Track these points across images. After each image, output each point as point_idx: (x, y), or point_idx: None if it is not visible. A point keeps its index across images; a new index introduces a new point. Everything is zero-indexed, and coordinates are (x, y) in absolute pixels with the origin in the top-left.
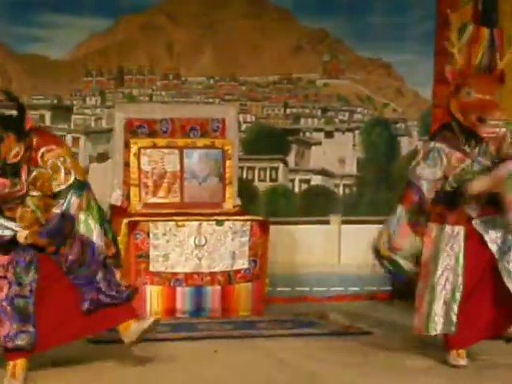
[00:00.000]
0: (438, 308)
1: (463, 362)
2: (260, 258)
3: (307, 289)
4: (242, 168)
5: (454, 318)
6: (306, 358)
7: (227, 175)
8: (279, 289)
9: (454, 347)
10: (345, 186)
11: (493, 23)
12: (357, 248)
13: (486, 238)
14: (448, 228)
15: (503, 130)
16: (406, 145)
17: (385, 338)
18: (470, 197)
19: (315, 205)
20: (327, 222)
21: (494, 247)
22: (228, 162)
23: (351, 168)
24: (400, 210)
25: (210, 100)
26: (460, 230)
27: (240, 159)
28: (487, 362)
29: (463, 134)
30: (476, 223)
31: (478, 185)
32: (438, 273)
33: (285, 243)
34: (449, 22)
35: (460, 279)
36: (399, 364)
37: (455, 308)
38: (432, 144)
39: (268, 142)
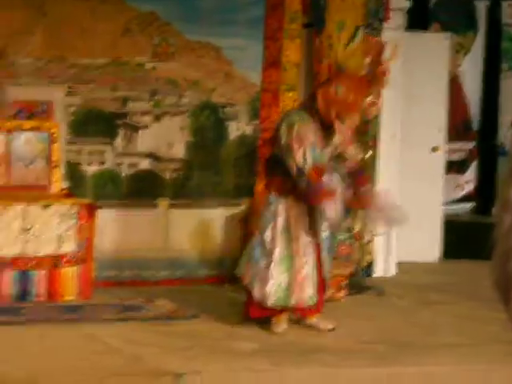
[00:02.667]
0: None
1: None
2: (87, 241)
3: (135, 273)
4: (69, 151)
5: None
6: (133, 343)
7: (54, 158)
8: (106, 273)
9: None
10: (173, 169)
11: (321, 8)
12: (185, 232)
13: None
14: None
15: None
16: (234, 129)
17: (212, 322)
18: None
19: (143, 188)
20: (155, 206)
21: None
22: (55, 145)
23: (179, 152)
24: None
25: (38, 82)
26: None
27: (67, 142)
28: (313, 345)
29: (319, 121)
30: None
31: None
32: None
33: (112, 227)
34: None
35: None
36: (225, 347)
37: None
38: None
39: (96, 125)
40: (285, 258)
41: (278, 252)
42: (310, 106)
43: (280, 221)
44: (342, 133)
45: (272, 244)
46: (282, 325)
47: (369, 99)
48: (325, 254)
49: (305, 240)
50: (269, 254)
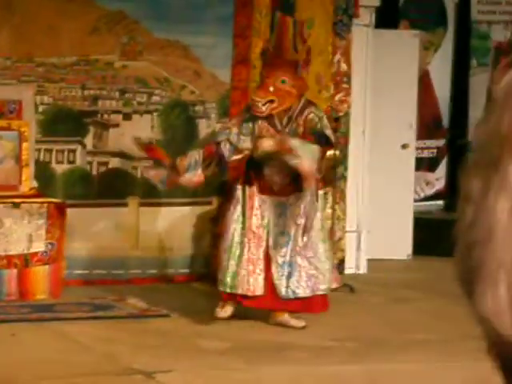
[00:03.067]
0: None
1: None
2: (57, 240)
3: (105, 271)
4: (39, 150)
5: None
6: (104, 341)
7: (24, 157)
8: (77, 271)
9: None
10: (143, 168)
11: (291, 6)
12: (155, 231)
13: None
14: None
15: (313, 117)
16: (204, 127)
17: (182, 321)
18: (262, 158)
19: (113, 187)
20: (125, 205)
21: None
22: (24, 144)
23: None
24: None
25: (7, 81)
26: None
27: (37, 141)
28: (284, 343)
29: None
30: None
31: (265, 143)
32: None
33: (83, 226)
34: (251, 4)
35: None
36: (196, 345)
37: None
38: (247, 114)
39: (65, 123)
40: (236, 245)
41: (229, 239)
42: None
43: (238, 208)
44: (258, 113)
45: (225, 230)
46: (226, 310)
47: (338, 97)
48: (273, 252)
49: (257, 232)
50: (224, 240)
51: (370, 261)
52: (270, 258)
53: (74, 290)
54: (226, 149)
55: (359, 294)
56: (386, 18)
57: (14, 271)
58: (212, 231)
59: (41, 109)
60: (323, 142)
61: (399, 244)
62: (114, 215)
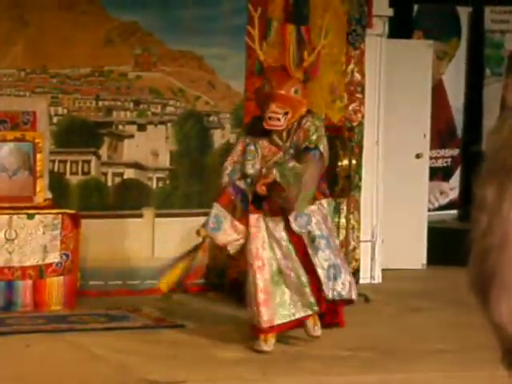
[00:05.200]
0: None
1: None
2: (72, 251)
3: (120, 282)
4: (53, 161)
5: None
6: (118, 352)
7: (38, 168)
8: (92, 282)
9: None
10: (158, 179)
11: (304, 18)
12: (170, 241)
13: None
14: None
15: (310, 127)
16: (218, 137)
17: (197, 331)
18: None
19: (128, 198)
20: (140, 216)
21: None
22: (39, 155)
23: (164, 161)
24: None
25: (21, 93)
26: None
27: (51, 152)
28: (299, 353)
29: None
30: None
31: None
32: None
33: (97, 237)
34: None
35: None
36: (211, 356)
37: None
38: (247, 138)
39: (80, 134)
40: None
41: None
42: (258, 116)
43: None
44: (271, 127)
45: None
46: (270, 342)
47: (352, 107)
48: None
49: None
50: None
51: (384, 270)
52: (313, 264)
53: (89, 301)
54: (241, 183)
55: (374, 304)
56: (400, 28)
57: (29, 282)
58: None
59: (55, 120)
60: (316, 157)
61: (413, 254)
62: (128, 226)
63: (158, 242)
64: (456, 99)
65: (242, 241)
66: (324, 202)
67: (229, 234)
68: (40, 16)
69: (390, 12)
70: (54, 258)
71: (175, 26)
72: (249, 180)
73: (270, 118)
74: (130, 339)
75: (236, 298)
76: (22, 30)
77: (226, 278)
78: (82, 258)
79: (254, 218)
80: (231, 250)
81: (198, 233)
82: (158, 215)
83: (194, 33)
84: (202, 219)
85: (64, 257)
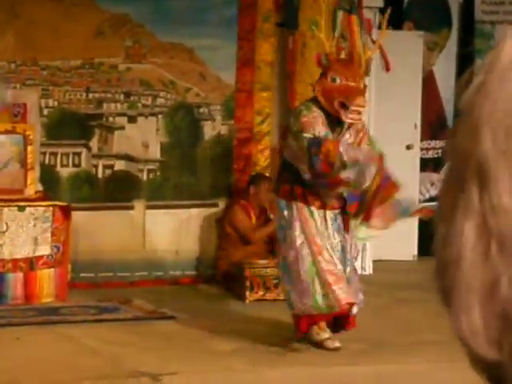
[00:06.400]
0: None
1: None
2: (63, 243)
3: (111, 274)
4: (44, 153)
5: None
6: (109, 344)
7: (29, 161)
8: (83, 274)
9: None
10: (149, 170)
11: (294, 7)
12: (161, 233)
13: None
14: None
15: (364, 122)
16: (209, 129)
17: (188, 323)
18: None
19: (119, 190)
20: (131, 208)
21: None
22: (29, 148)
23: (155, 153)
24: None
25: (11, 85)
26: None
27: (42, 144)
28: (293, 346)
29: (327, 119)
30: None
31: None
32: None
33: (88, 229)
34: (255, 6)
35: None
36: (202, 347)
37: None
38: (314, 108)
39: (70, 127)
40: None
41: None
42: (315, 100)
43: (297, 225)
44: (353, 121)
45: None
46: (324, 333)
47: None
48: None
49: (321, 242)
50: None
51: (375, 262)
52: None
53: (80, 293)
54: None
55: (365, 295)
56: (390, 19)
57: (20, 275)
58: (218, 233)
59: (46, 112)
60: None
61: (404, 245)
62: (120, 218)
63: (148, 234)
64: (446, 90)
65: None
66: None
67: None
68: (30, 8)
69: (380, 3)
70: (44, 250)
71: (166, 17)
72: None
73: (352, 112)
74: (122, 331)
75: (227, 290)
76: (12, 22)
77: (218, 270)
78: (73, 250)
79: (297, 206)
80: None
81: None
82: (149, 207)
83: (184, 24)
84: (193, 211)
85: (55, 249)
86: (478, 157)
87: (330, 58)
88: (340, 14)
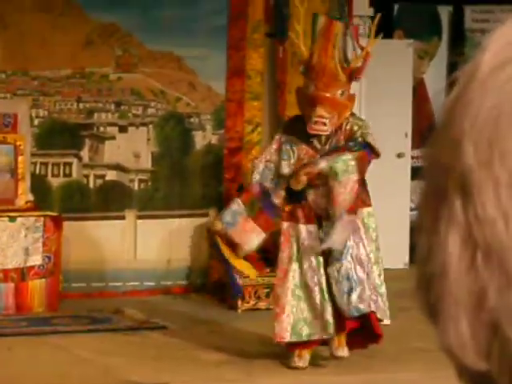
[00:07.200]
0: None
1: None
2: (54, 253)
3: (103, 284)
4: (34, 163)
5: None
6: (101, 354)
7: (19, 171)
8: (74, 284)
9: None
10: (140, 180)
11: (284, 18)
12: (152, 243)
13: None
14: (302, 227)
15: (353, 127)
16: (199, 139)
17: (180, 333)
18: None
19: (110, 200)
20: (123, 218)
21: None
22: (20, 158)
23: (146, 163)
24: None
25: (2, 95)
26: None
27: (33, 154)
28: (284, 355)
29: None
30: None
31: (296, 185)
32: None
33: (80, 239)
34: (245, 16)
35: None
36: (194, 357)
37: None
38: (283, 137)
39: (61, 136)
40: (298, 288)
41: (289, 281)
42: (299, 117)
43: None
44: (317, 132)
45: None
46: (305, 358)
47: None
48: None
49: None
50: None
51: None
52: (329, 276)
53: (72, 303)
54: (269, 183)
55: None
56: (380, 28)
57: (11, 285)
58: (209, 242)
59: (36, 122)
60: (365, 148)
61: (396, 253)
62: (111, 228)
63: (140, 244)
64: (437, 98)
65: (256, 241)
66: (364, 211)
67: (244, 231)
68: (19, 18)
69: (370, 12)
70: (36, 260)
71: (155, 26)
72: (277, 181)
73: (315, 123)
74: (113, 341)
75: (218, 300)
76: (1, 33)
77: (209, 279)
78: (65, 261)
79: (285, 225)
80: (246, 248)
81: (213, 225)
82: (140, 217)
83: (174, 33)
84: (184, 221)
85: (46, 259)
86: (460, 169)
87: (306, 66)
88: (321, 20)
